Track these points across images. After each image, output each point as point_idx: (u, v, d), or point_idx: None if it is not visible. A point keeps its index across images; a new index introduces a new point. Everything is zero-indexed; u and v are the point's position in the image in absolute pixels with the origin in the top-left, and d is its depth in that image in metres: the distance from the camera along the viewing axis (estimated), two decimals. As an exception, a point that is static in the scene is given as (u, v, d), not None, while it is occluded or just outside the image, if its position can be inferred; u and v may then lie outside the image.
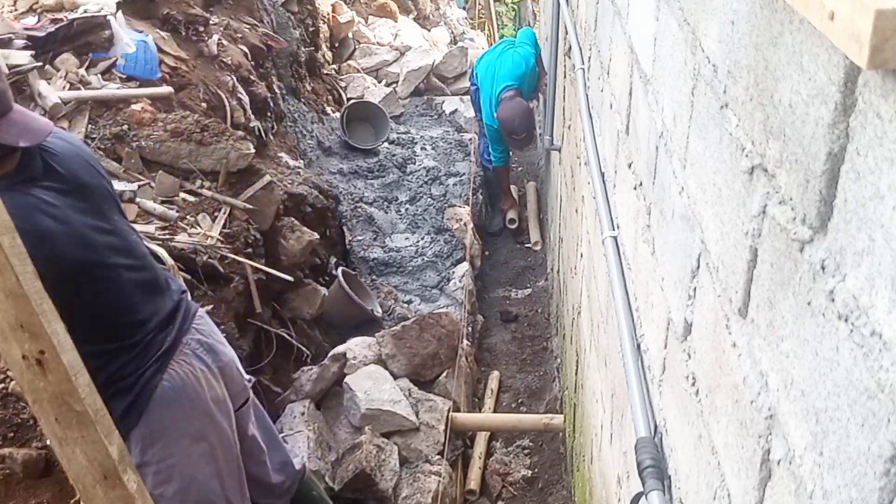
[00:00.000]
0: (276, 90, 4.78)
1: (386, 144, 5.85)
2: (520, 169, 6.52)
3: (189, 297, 2.05)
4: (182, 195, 3.09)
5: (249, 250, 3.15)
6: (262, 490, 2.30)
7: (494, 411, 3.72)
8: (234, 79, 3.96)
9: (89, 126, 3.10)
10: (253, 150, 3.36)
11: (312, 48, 5.95)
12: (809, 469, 0.64)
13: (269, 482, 2.32)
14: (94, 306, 1.77)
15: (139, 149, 3.11)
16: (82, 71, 3.23)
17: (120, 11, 3.51)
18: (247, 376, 2.19)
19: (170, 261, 2.71)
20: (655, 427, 1.25)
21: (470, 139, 5.99)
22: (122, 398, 1.79)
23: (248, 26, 4.52)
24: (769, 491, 0.74)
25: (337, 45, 6.92)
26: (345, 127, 5.72)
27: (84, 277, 1.73)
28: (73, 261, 1.70)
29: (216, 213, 3.08)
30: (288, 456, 2.45)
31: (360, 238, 4.64)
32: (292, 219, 3.71)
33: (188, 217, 2.99)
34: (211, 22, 4.10)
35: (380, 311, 4.08)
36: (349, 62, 6.89)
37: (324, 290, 3.79)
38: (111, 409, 1.75)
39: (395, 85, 6.84)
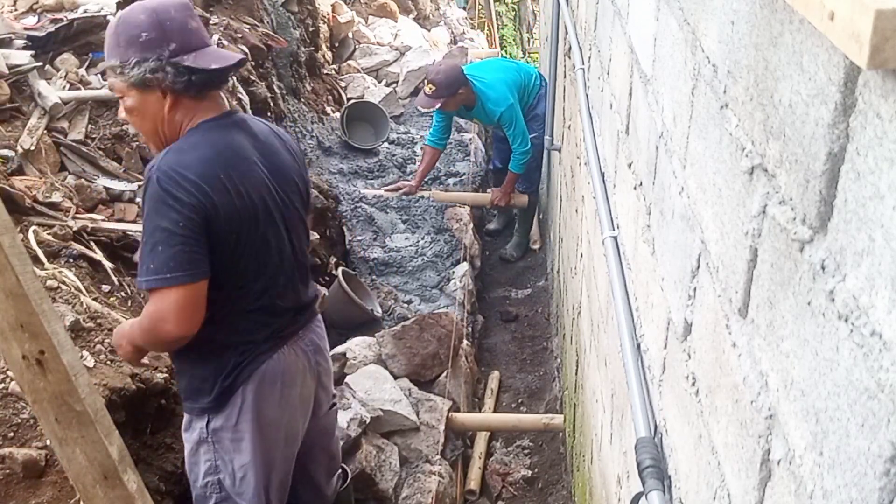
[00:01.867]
0: (276, 90, 4.78)
1: (386, 144, 5.85)
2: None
3: (317, 302, 2.14)
4: (182, 195, 3.08)
5: (249, 250, 3.15)
6: (313, 493, 2.32)
7: (494, 411, 3.72)
8: (234, 79, 3.95)
9: (89, 126, 3.10)
10: (253, 150, 3.36)
11: (312, 48, 5.95)
12: (809, 469, 0.64)
13: (324, 489, 2.35)
14: (260, 265, 1.83)
15: (139, 149, 3.11)
16: (82, 71, 3.23)
17: (120, 11, 3.51)
18: (334, 390, 2.27)
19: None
20: (655, 427, 1.25)
21: (470, 139, 5.98)
22: (232, 358, 1.85)
23: (248, 26, 4.52)
24: (769, 491, 0.74)
25: (337, 45, 6.93)
26: (345, 127, 5.72)
27: (263, 230, 1.80)
28: (260, 208, 1.78)
29: (216, 213, 3.08)
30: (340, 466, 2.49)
31: (360, 238, 4.64)
32: (292, 219, 3.70)
33: (188, 217, 2.98)
34: (211, 22, 4.10)
35: (380, 311, 4.08)
36: (349, 62, 6.89)
37: (324, 291, 3.79)
38: (220, 365, 1.84)
39: (395, 85, 6.84)
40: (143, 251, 1.65)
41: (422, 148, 5.11)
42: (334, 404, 2.30)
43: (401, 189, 4.87)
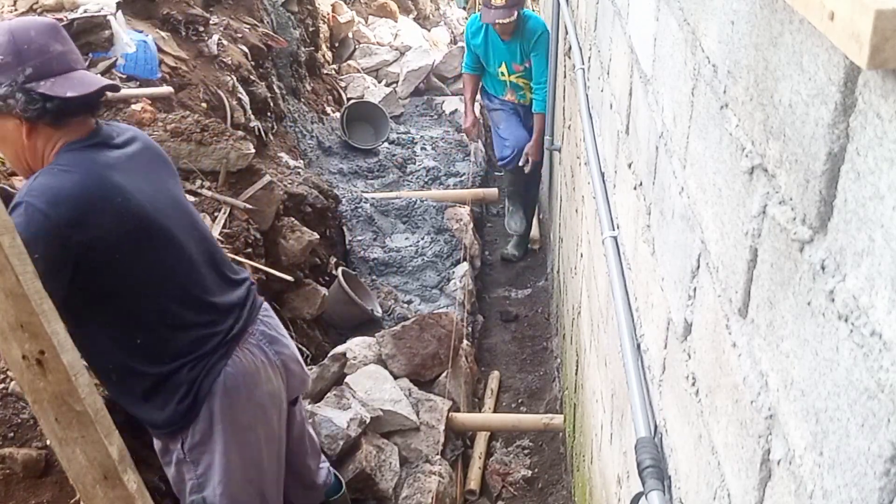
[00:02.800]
0: (276, 90, 4.78)
1: (386, 144, 5.85)
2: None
3: (256, 289, 2.07)
4: (182, 195, 3.09)
5: (249, 250, 3.15)
6: (302, 487, 2.30)
7: (494, 411, 3.72)
8: (234, 79, 3.96)
9: (89, 126, 3.10)
10: (253, 150, 3.36)
11: (312, 48, 5.95)
12: (809, 469, 0.64)
13: (315, 481, 2.33)
14: (168, 273, 1.79)
15: (139, 149, 3.11)
16: (82, 71, 3.23)
17: (120, 11, 3.51)
18: (307, 370, 2.20)
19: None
20: (655, 427, 1.25)
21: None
22: (188, 377, 1.81)
23: (248, 26, 4.52)
24: (769, 491, 0.74)
25: (337, 45, 6.93)
26: (345, 127, 5.71)
27: (157, 239, 1.76)
28: (146, 218, 1.73)
29: (216, 213, 3.08)
30: (330, 468, 2.46)
31: (360, 238, 4.64)
32: (292, 219, 3.71)
33: (188, 217, 2.99)
34: (211, 22, 4.10)
35: (380, 311, 4.08)
36: (349, 62, 6.89)
37: (324, 290, 3.79)
38: (174, 389, 1.80)
39: (395, 85, 6.84)
40: None
41: (462, 78, 5.00)
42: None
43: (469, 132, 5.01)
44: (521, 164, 4.63)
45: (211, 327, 1.85)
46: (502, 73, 4.56)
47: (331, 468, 2.49)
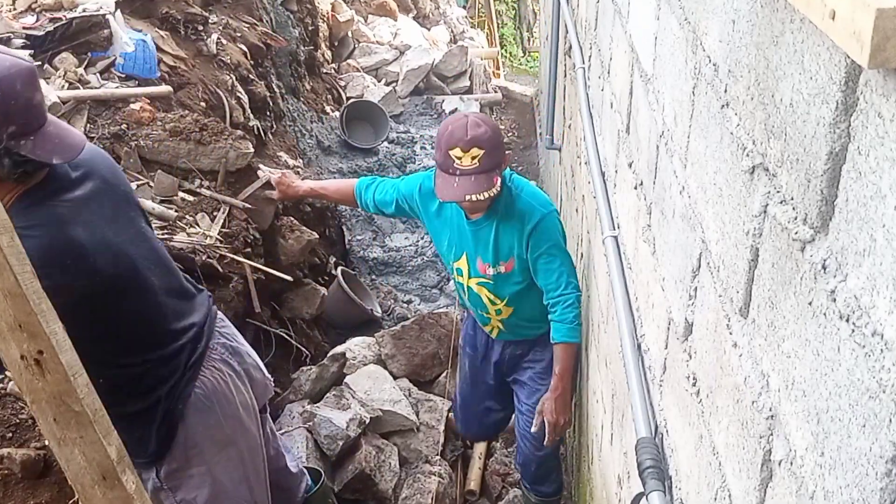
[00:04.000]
0: (276, 89, 4.77)
1: (385, 144, 5.85)
2: (520, 169, 6.51)
3: (212, 301, 2.03)
4: (181, 194, 3.09)
5: (248, 250, 3.15)
6: (279, 490, 2.28)
7: (494, 411, 3.72)
8: (234, 78, 3.95)
9: (88, 125, 3.10)
10: (252, 150, 3.36)
11: (312, 47, 5.95)
12: (811, 470, 0.64)
13: (289, 486, 2.31)
14: (132, 319, 1.74)
15: (138, 148, 3.10)
16: (81, 70, 3.23)
17: (118, 10, 3.50)
18: (268, 375, 2.17)
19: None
20: (656, 427, 1.25)
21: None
22: (160, 407, 1.78)
23: (247, 25, 4.52)
24: (770, 492, 0.74)
25: (336, 43, 6.92)
26: (344, 126, 5.71)
27: (122, 291, 1.70)
28: (111, 275, 1.66)
29: (215, 213, 3.08)
30: (298, 464, 2.43)
31: (359, 238, 4.64)
32: (291, 218, 3.70)
33: (187, 216, 2.99)
34: (210, 21, 4.10)
35: (379, 311, 4.08)
36: (349, 61, 6.89)
37: (323, 290, 3.79)
38: (151, 420, 1.76)
39: (394, 84, 6.84)
40: None
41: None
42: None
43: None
44: (533, 430, 2.50)
45: (177, 355, 1.81)
46: (458, 271, 2.50)
47: (299, 463, 2.46)
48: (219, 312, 2.04)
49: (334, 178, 5.21)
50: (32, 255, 1.43)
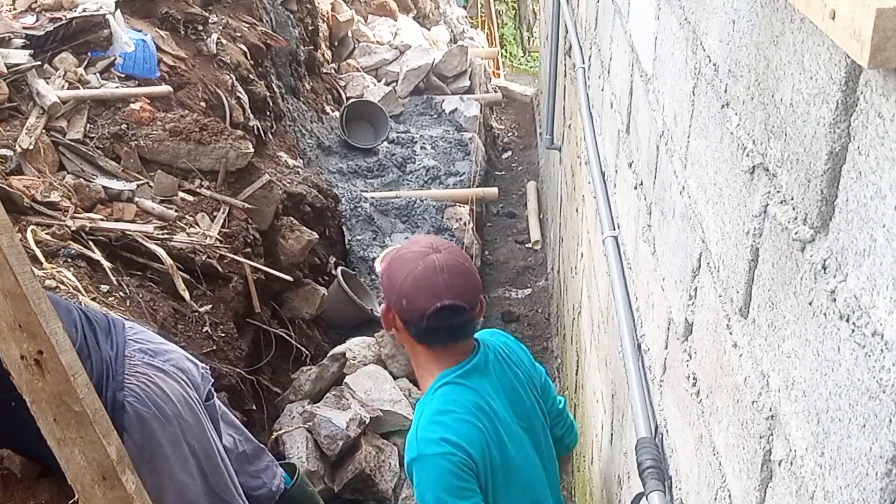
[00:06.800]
0: (276, 89, 4.78)
1: (385, 144, 5.85)
2: (520, 168, 6.52)
3: (110, 315, 1.98)
4: (181, 194, 3.09)
5: (248, 250, 3.15)
6: (249, 480, 2.23)
7: (494, 411, 3.71)
8: (233, 78, 3.95)
9: (88, 125, 3.10)
10: (252, 150, 3.36)
11: (312, 47, 5.95)
12: (811, 470, 0.64)
13: (249, 486, 2.24)
14: None
15: (138, 148, 3.10)
16: (81, 70, 3.23)
17: (118, 10, 3.51)
18: (202, 364, 2.12)
19: (168, 260, 2.70)
20: (656, 427, 1.25)
21: (470, 138, 5.98)
22: None
23: (247, 25, 4.52)
24: (770, 492, 0.74)
25: (336, 43, 6.92)
26: (344, 126, 5.71)
27: None
28: None
29: (215, 213, 3.08)
30: (271, 463, 2.37)
31: (359, 238, 4.64)
32: (291, 218, 3.70)
33: (187, 216, 2.99)
34: (210, 21, 4.10)
35: (379, 311, 4.08)
36: (348, 61, 6.89)
37: (323, 290, 3.79)
38: None
39: (394, 84, 6.83)
40: None
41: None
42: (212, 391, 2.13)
43: None
44: None
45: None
46: None
47: (275, 463, 2.39)
48: (125, 322, 1.99)
49: (334, 177, 5.21)
50: None
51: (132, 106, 3.18)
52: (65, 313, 1.77)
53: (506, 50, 11.52)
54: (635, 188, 1.51)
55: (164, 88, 3.37)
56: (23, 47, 3.11)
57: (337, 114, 5.88)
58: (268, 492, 2.29)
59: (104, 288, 2.57)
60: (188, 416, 1.94)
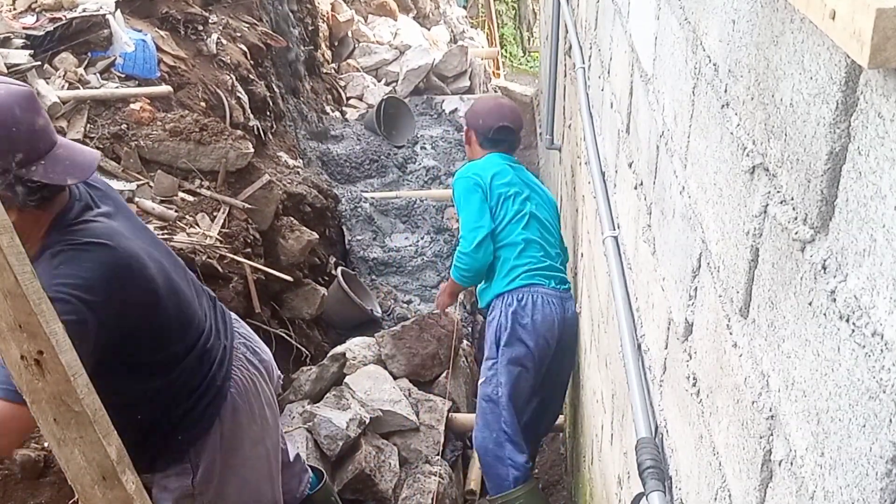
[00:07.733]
0: (276, 89, 4.77)
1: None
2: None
3: (217, 300, 2.01)
4: (181, 195, 3.09)
5: (248, 250, 3.15)
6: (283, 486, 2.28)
7: (494, 411, 3.71)
8: (233, 78, 3.95)
9: (88, 125, 3.10)
10: (252, 150, 3.36)
11: (312, 47, 5.95)
12: (811, 470, 0.64)
13: (288, 479, 2.29)
14: (172, 325, 1.72)
15: (138, 148, 3.10)
16: (81, 70, 3.23)
17: (118, 10, 3.51)
18: (278, 372, 2.17)
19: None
20: (656, 427, 1.25)
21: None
22: (205, 409, 1.77)
23: (247, 25, 4.52)
24: (770, 492, 0.74)
25: (336, 43, 6.92)
26: (380, 122, 5.71)
27: (167, 295, 1.68)
28: (160, 284, 1.64)
29: (215, 213, 3.08)
30: (303, 467, 2.41)
31: (359, 238, 4.64)
32: (291, 218, 3.70)
33: (187, 217, 2.99)
34: (210, 21, 4.10)
35: (379, 311, 4.08)
36: (349, 61, 6.89)
37: (323, 290, 3.79)
38: (194, 424, 1.76)
39: (394, 84, 6.84)
40: None
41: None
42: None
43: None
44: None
45: (211, 354, 1.80)
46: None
47: (306, 469, 2.43)
48: (229, 311, 2.04)
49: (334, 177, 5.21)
50: (96, 272, 1.44)
51: (132, 106, 3.18)
52: (206, 298, 1.89)
53: (506, 50, 11.53)
54: (635, 188, 1.51)
55: (164, 88, 3.37)
56: (23, 47, 3.11)
57: (337, 114, 5.88)
58: (292, 498, 2.32)
59: (104, 288, 2.56)
60: (270, 418, 1.97)
